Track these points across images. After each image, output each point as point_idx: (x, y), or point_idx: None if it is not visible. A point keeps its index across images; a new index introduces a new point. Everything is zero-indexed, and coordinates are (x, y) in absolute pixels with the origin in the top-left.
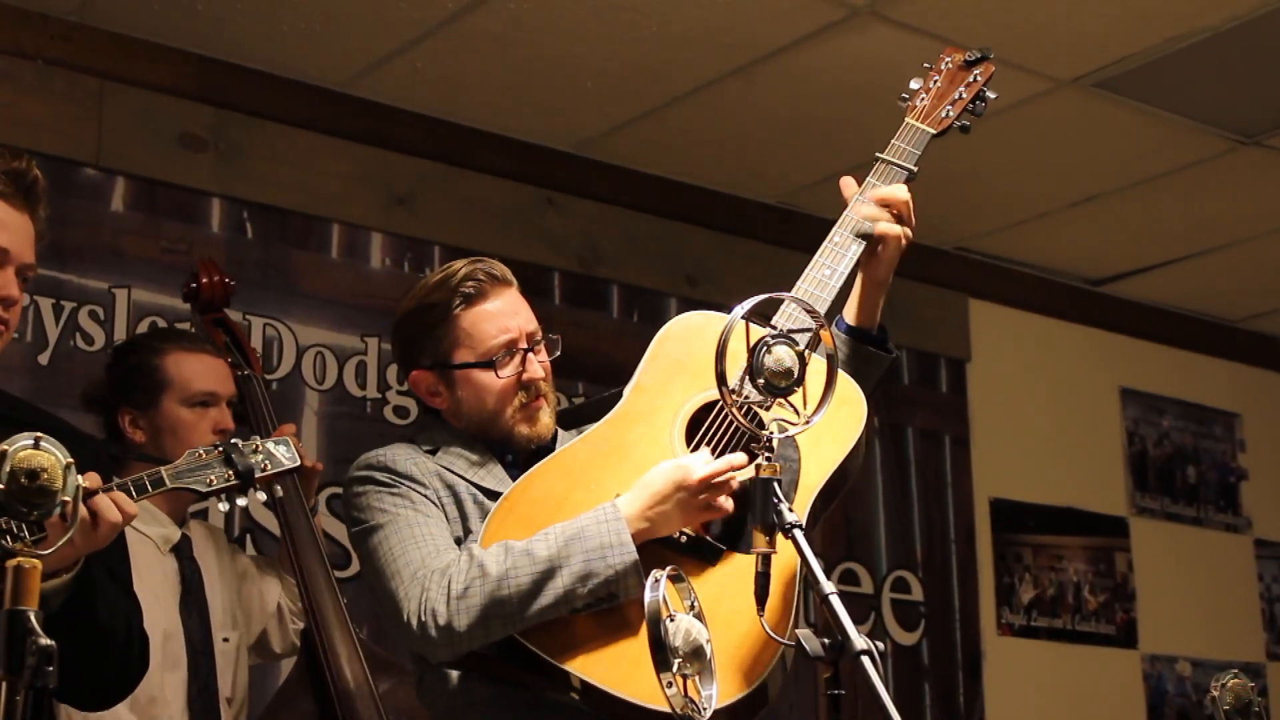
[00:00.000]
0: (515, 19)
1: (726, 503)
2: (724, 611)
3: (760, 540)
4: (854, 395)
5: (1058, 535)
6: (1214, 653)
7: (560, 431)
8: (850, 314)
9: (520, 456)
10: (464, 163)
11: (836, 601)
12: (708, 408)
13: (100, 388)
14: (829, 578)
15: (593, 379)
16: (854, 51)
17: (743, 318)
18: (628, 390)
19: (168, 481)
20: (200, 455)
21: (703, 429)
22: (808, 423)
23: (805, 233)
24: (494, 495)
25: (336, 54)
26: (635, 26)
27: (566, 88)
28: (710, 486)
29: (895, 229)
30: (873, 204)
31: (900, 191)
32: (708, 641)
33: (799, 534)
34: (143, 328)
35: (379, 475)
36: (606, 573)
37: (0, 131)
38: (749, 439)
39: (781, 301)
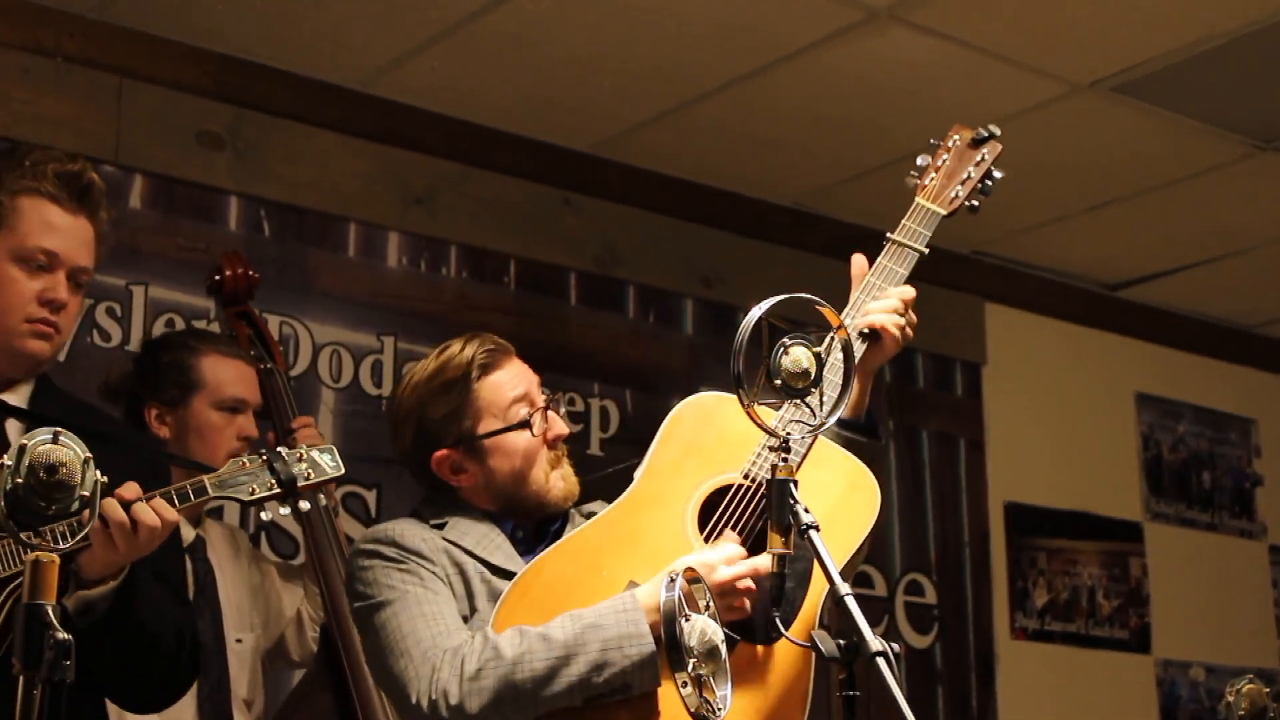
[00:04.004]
0: (533, 19)
1: (746, 605)
2: (740, 704)
3: (776, 541)
4: (866, 481)
5: (1072, 539)
6: (1228, 658)
7: (572, 511)
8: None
9: (528, 532)
10: (481, 163)
11: (852, 603)
12: (721, 492)
13: (126, 379)
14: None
15: (608, 379)
16: (872, 54)
17: (761, 318)
18: (639, 473)
19: (210, 490)
20: (244, 464)
21: (717, 515)
22: (824, 424)
23: (822, 235)
24: (501, 572)
25: (355, 53)
26: (653, 27)
27: (584, 88)
28: (732, 589)
29: (896, 336)
30: (872, 324)
31: (905, 293)
32: (723, 642)
33: (815, 535)
34: (160, 325)
35: (386, 550)
36: (623, 663)
37: (19, 128)
38: (764, 525)
39: (800, 302)
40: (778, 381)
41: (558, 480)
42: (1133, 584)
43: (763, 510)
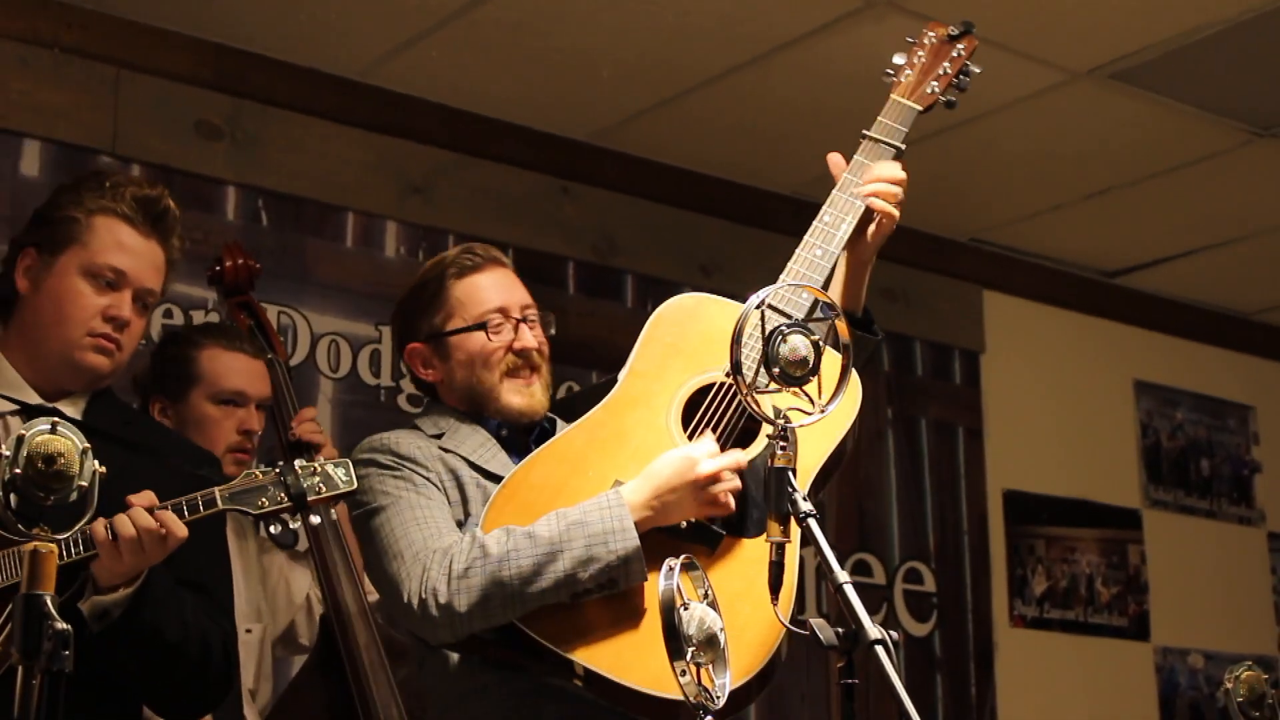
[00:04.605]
0: (531, 8)
1: (729, 498)
2: (725, 596)
3: (774, 529)
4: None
5: (1071, 527)
6: (1226, 645)
7: (560, 421)
8: (834, 295)
9: (517, 436)
10: (479, 152)
11: (850, 591)
12: (703, 391)
13: (144, 373)
14: (841, 568)
15: (607, 369)
16: (870, 42)
17: (757, 307)
18: (622, 375)
19: (221, 503)
20: (256, 476)
21: (700, 413)
22: (823, 412)
23: None
24: (496, 479)
25: (352, 43)
26: (652, 16)
27: (582, 77)
28: (715, 480)
29: (891, 210)
30: (865, 182)
31: (896, 170)
32: (721, 630)
33: (813, 523)
34: (158, 315)
35: (381, 458)
36: (608, 558)
37: (17, 119)
38: (747, 424)
39: (799, 290)
40: (776, 370)
41: (513, 391)
42: (1131, 571)
43: (745, 408)
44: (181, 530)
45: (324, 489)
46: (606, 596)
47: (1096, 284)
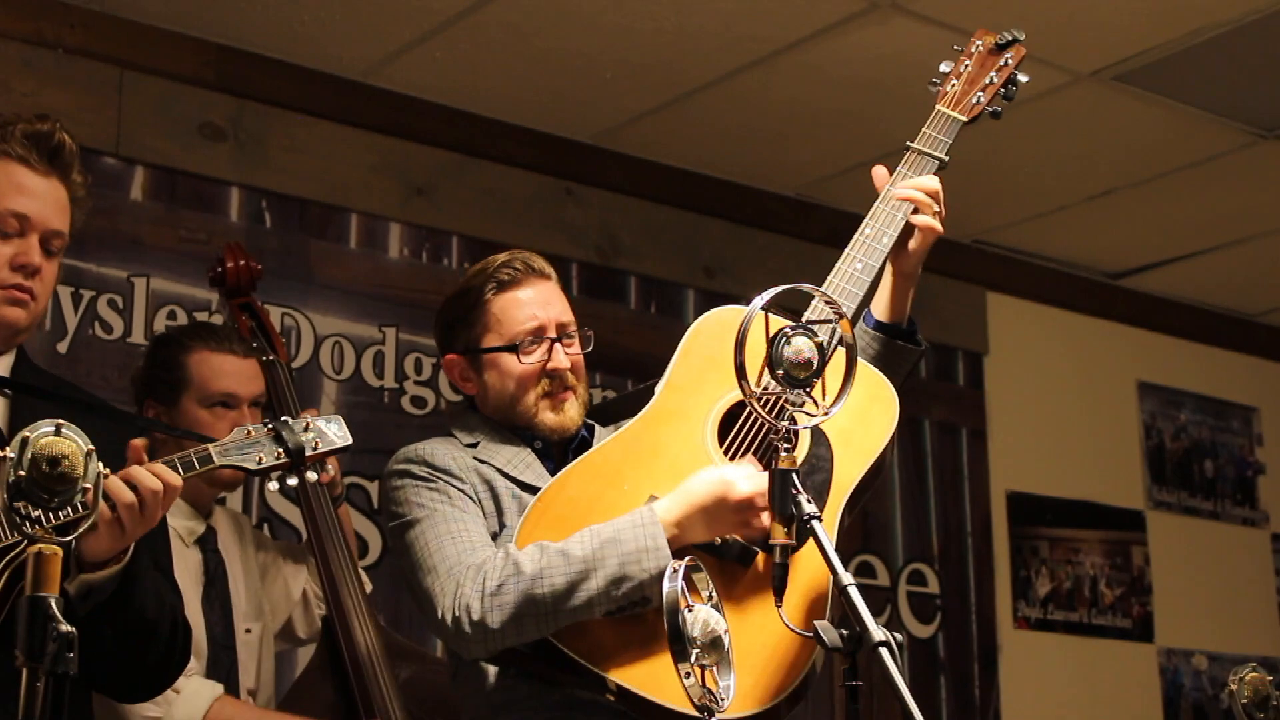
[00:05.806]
0: (534, 10)
1: (765, 521)
2: (757, 615)
3: (779, 532)
4: (885, 391)
5: (1074, 529)
6: (1230, 647)
7: (598, 427)
8: (879, 308)
9: (551, 446)
10: (483, 153)
11: (855, 593)
12: (741, 405)
13: (138, 375)
14: (845, 570)
15: (610, 370)
16: (874, 44)
17: (763, 309)
18: (660, 387)
19: (216, 459)
20: (249, 433)
21: (735, 428)
22: (826, 414)
23: (823, 225)
24: (531, 490)
25: (356, 44)
26: (654, 18)
27: (585, 78)
28: (751, 505)
29: (932, 222)
30: (904, 195)
31: (932, 183)
32: (725, 632)
33: (817, 525)
34: (161, 316)
35: (417, 469)
36: (641, 576)
37: None
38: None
39: (803, 293)
40: (780, 372)
41: (546, 410)
42: (1135, 573)
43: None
44: (177, 480)
45: (319, 443)
46: (639, 613)
47: (1100, 285)
